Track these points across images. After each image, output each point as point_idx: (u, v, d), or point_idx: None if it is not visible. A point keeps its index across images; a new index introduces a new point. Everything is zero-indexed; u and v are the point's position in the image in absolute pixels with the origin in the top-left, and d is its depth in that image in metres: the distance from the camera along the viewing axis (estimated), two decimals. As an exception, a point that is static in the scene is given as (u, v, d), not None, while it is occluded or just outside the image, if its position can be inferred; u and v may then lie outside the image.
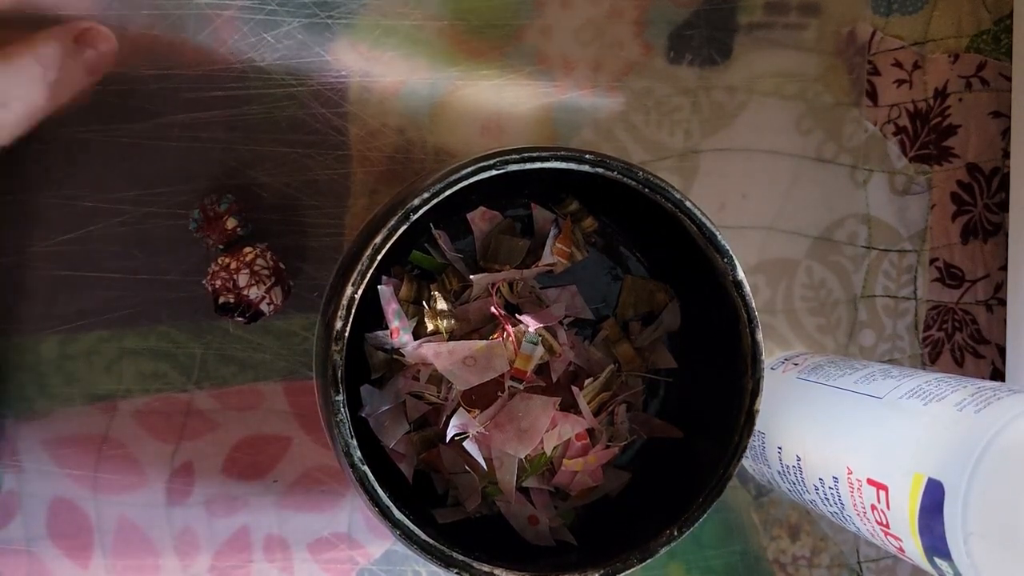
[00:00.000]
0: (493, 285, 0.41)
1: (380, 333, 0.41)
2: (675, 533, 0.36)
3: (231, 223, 0.43)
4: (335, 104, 0.45)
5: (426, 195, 0.34)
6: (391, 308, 0.40)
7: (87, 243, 0.44)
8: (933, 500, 0.31)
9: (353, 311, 0.34)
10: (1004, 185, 0.47)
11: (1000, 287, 0.48)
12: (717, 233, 0.36)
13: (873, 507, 0.34)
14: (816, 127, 0.47)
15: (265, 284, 0.42)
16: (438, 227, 0.42)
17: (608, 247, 0.44)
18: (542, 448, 0.40)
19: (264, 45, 0.44)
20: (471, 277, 0.41)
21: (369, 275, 0.34)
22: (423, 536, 0.35)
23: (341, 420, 0.34)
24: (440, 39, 0.45)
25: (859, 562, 0.47)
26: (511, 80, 0.46)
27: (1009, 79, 0.47)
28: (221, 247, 0.43)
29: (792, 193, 0.47)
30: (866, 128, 0.47)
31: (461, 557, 0.35)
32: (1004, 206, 0.47)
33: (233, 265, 0.41)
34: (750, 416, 0.37)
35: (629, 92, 0.46)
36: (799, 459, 0.39)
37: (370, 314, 0.40)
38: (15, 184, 0.44)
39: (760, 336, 0.37)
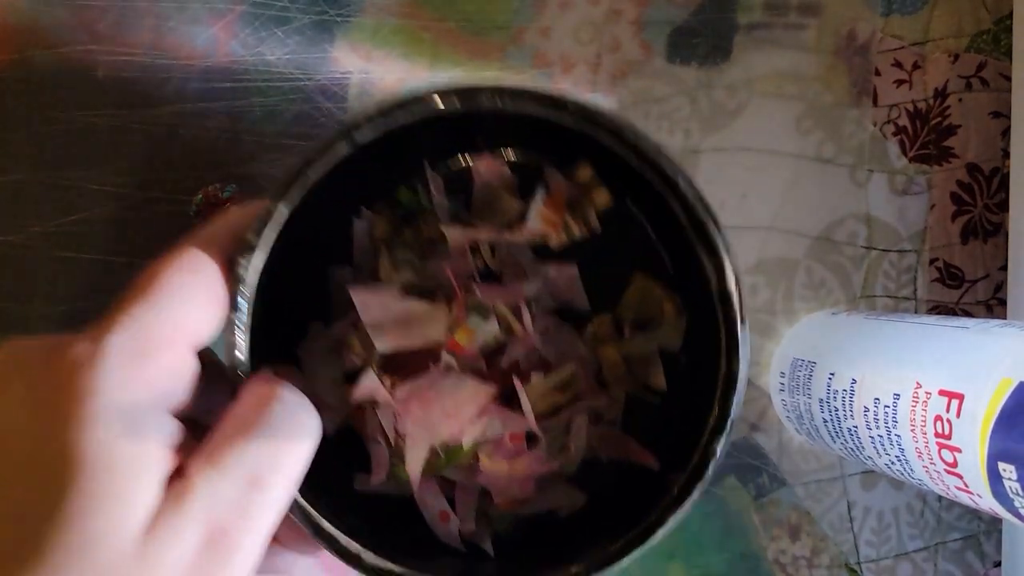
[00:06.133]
0: (470, 244, 0.37)
1: (343, 270, 0.37)
2: (573, 571, 0.31)
3: (231, 211, 0.43)
4: (340, 99, 0.45)
5: (373, 114, 0.30)
6: (360, 244, 0.37)
7: (89, 226, 0.44)
8: (1018, 402, 0.31)
9: (267, 225, 0.30)
10: (1004, 185, 0.47)
11: (1000, 287, 0.48)
12: (711, 224, 0.30)
13: (937, 418, 0.34)
14: (816, 127, 0.47)
15: None
16: (439, 170, 0.38)
17: (637, 236, 0.38)
18: (461, 440, 0.35)
19: (273, 39, 0.44)
20: (442, 228, 0.36)
21: (295, 190, 0.30)
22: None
23: (232, 343, 0.30)
24: (442, 39, 0.45)
25: (859, 562, 0.47)
26: (511, 80, 0.46)
27: (1009, 79, 0.47)
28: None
29: (792, 193, 0.47)
30: (866, 128, 0.47)
31: (329, 529, 0.30)
32: (1004, 206, 0.47)
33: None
34: (704, 458, 0.31)
35: (628, 92, 0.46)
36: (854, 382, 0.39)
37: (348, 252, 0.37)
38: (19, 164, 0.44)
39: (741, 368, 0.31)
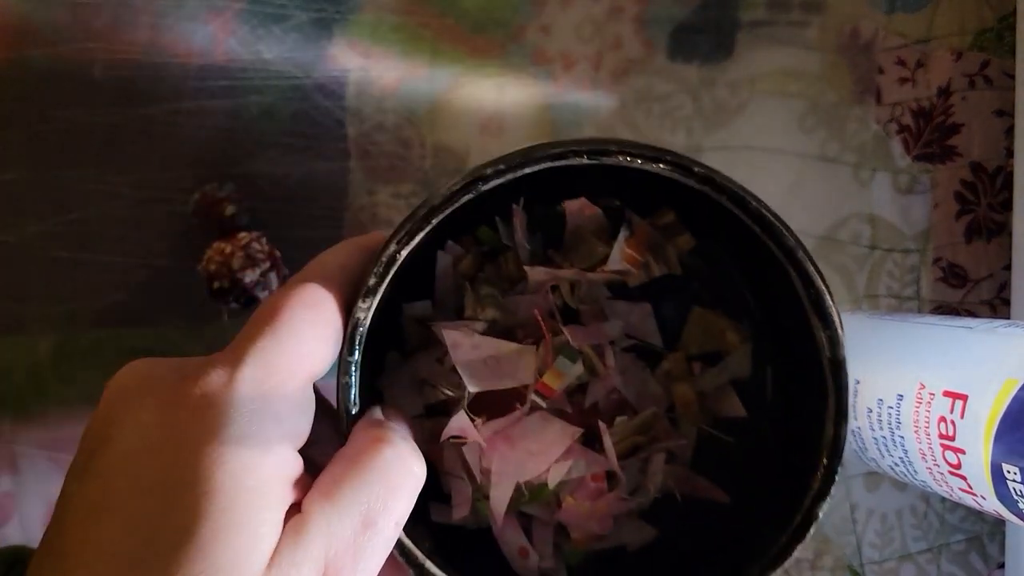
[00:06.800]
0: (551, 282, 0.37)
1: (420, 304, 0.37)
2: None
3: (229, 210, 0.43)
4: (338, 98, 0.45)
5: (501, 167, 0.30)
6: (444, 278, 0.37)
7: (85, 225, 0.44)
8: (1023, 403, 0.31)
9: (392, 270, 0.30)
10: (1008, 184, 0.47)
11: (1004, 287, 0.47)
12: (828, 298, 0.31)
13: (941, 419, 0.34)
14: (819, 126, 0.47)
15: (260, 268, 0.41)
16: (524, 208, 0.39)
17: (710, 273, 0.39)
18: (546, 479, 0.36)
19: (271, 37, 0.44)
20: (527, 268, 0.37)
21: (419, 237, 0.31)
22: (399, 535, 0.31)
23: (347, 384, 0.31)
24: (442, 36, 0.45)
25: (861, 564, 0.47)
26: (511, 78, 0.45)
27: (1012, 77, 0.47)
28: (217, 233, 0.43)
29: (795, 192, 0.47)
30: (869, 127, 0.47)
31: (434, 570, 0.31)
32: (1008, 205, 0.47)
33: (228, 249, 0.41)
34: (807, 520, 0.32)
35: (630, 90, 0.46)
36: (857, 383, 0.39)
37: (422, 287, 0.38)
38: (15, 163, 0.44)
39: (846, 432, 0.32)
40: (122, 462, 0.26)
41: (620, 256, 0.37)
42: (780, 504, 0.33)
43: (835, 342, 0.31)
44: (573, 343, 0.36)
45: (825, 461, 0.32)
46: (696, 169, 0.31)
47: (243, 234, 0.42)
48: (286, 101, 0.44)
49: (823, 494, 0.32)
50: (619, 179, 0.34)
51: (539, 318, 0.36)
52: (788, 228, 0.31)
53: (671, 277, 0.38)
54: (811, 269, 0.31)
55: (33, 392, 0.44)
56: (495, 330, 0.37)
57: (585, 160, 0.31)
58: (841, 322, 0.32)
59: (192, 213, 0.43)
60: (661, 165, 0.31)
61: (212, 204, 0.43)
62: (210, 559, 0.24)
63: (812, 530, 0.32)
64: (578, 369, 0.36)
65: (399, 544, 0.31)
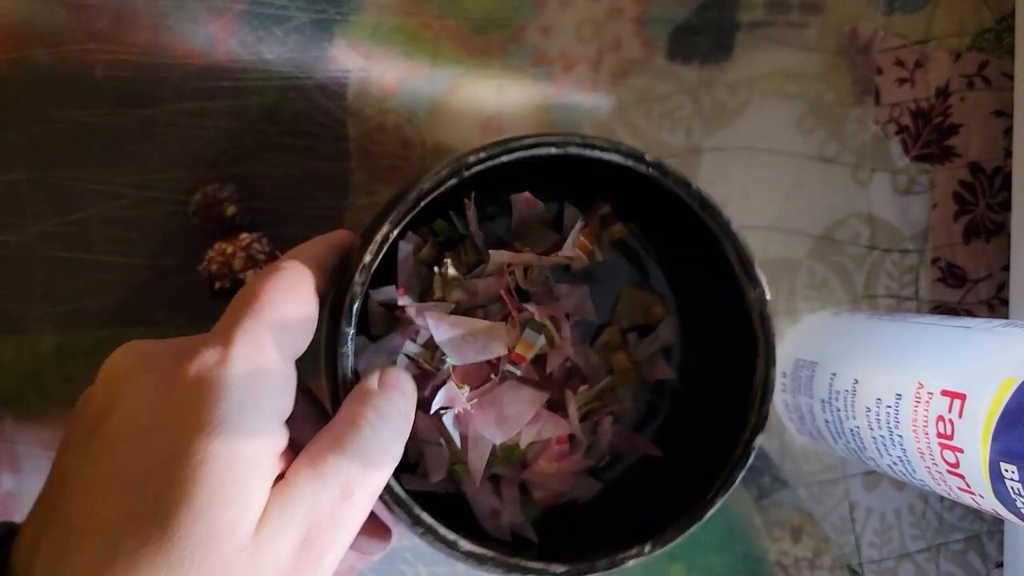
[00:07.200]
0: (508, 265, 0.41)
1: (385, 289, 0.40)
2: (647, 549, 0.35)
3: (230, 210, 0.43)
4: (338, 98, 0.45)
5: (483, 155, 0.34)
6: (406, 264, 0.40)
7: (86, 225, 0.44)
8: (1020, 402, 0.31)
9: (384, 250, 0.33)
10: (1006, 184, 0.47)
11: (1003, 287, 0.47)
12: (755, 263, 0.36)
13: (939, 418, 0.34)
14: (818, 126, 0.47)
15: (261, 268, 0.41)
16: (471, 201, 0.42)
17: (634, 256, 0.44)
18: (518, 440, 0.39)
19: (272, 38, 0.44)
20: (489, 252, 0.40)
21: (408, 219, 0.33)
22: (398, 489, 0.34)
23: (345, 353, 0.33)
24: (443, 37, 0.45)
25: (860, 563, 0.47)
26: (511, 79, 0.46)
27: (1011, 78, 0.47)
28: (219, 234, 0.43)
29: (794, 192, 0.47)
30: (868, 127, 0.47)
31: (429, 520, 0.34)
32: (1006, 205, 0.47)
33: (229, 250, 0.41)
34: (747, 451, 0.36)
35: (629, 90, 0.46)
36: (856, 382, 0.39)
37: (381, 276, 0.40)
38: (17, 164, 0.44)
39: (774, 373, 0.36)
40: (125, 437, 0.28)
41: (573, 245, 0.41)
42: (714, 447, 0.38)
43: (763, 299, 0.36)
44: (538, 317, 0.40)
45: (760, 398, 0.37)
46: (647, 158, 0.35)
47: (244, 234, 0.42)
48: (287, 102, 0.44)
49: (759, 427, 0.36)
50: (559, 176, 0.38)
51: (505, 296, 0.40)
52: (720, 208, 0.36)
53: (602, 261, 0.43)
54: (742, 240, 0.36)
55: (34, 392, 0.44)
56: (458, 311, 0.40)
57: (554, 151, 0.34)
58: (767, 283, 0.37)
59: (193, 213, 0.43)
60: (617, 155, 0.35)
61: (213, 204, 0.43)
62: (208, 524, 0.27)
63: (751, 460, 0.36)
64: (542, 340, 0.40)
65: (396, 498, 0.34)
